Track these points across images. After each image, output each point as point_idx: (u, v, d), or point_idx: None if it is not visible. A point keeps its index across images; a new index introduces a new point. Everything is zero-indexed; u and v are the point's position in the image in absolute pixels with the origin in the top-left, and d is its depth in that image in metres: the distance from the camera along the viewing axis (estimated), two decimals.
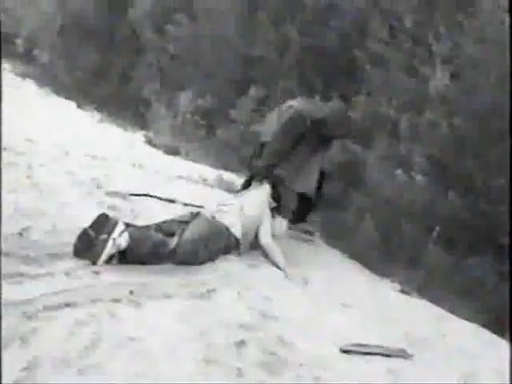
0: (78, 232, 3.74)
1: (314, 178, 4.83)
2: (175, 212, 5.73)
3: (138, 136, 11.02)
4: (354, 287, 4.53)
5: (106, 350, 2.70)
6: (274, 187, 4.72)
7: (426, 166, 6.67)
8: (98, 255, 3.70)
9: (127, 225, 3.94)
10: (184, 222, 4.23)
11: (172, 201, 6.16)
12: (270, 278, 4.24)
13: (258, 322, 3.40)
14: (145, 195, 6.15)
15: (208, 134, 10.26)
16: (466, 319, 4.36)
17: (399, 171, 6.74)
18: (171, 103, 11.15)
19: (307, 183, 4.81)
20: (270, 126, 4.86)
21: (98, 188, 5.72)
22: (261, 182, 4.76)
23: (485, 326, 4.33)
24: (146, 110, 11.72)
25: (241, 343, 3.05)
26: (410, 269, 5.09)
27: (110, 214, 5.11)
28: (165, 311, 3.30)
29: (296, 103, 4.85)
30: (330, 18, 9.18)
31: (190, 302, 3.55)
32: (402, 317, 4.10)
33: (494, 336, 4.21)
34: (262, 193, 4.69)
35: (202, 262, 4.13)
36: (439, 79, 7.04)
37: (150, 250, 3.90)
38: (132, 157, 8.36)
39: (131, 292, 3.47)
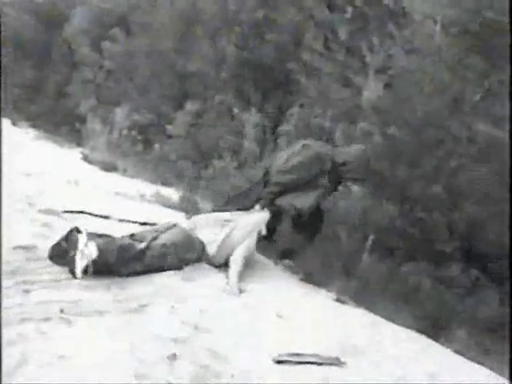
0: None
1: (309, 200, 5.01)
2: (111, 229, 5.70)
3: (75, 153, 10.89)
4: (290, 298, 4.54)
5: (34, 369, 2.66)
6: (273, 216, 4.92)
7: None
8: (73, 271, 3.93)
9: (90, 235, 4.05)
10: (159, 231, 4.40)
11: (107, 217, 6.10)
12: (206, 291, 4.23)
13: (191, 335, 3.37)
14: (79, 212, 6.07)
15: (145, 149, 10.22)
16: (402, 325, 4.41)
17: None
18: (107, 119, 11.07)
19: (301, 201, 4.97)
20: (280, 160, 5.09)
21: (30, 205, 5.64)
22: (263, 207, 4.92)
23: (420, 331, 4.39)
24: (82, 126, 11.60)
25: (172, 357, 3.04)
26: (346, 278, 5.14)
27: (44, 231, 5.08)
28: (96, 328, 3.26)
29: (312, 143, 5.17)
30: (266, 32, 9.29)
31: (123, 317, 3.51)
32: (337, 325, 4.14)
33: (430, 341, 4.27)
34: (258, 218, 4.84)
35: (169, 267, 4.28)
36: (372, 90, 7.19)
37: (117, 255, 4.01)
38: (67, 173, 8.26)
39: (62, 310, 3.43)
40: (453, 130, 6.24)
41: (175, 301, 3.79)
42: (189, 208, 7.15)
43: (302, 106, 8.09)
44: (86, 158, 10.37)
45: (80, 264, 3.91)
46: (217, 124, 9.18)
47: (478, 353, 4.27)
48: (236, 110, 9.08)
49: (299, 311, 4.30)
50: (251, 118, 8.76)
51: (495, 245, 5.18)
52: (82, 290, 3.94)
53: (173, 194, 8.10)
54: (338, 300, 4.76)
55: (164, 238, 4.32)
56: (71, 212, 5.98)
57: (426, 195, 6.17)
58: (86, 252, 3.90)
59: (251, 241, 4.71)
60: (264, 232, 4.82)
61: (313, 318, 4.19)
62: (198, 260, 4.57)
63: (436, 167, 6.33)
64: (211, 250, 4.57)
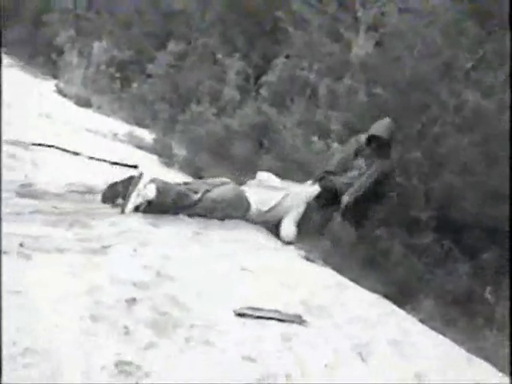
0: None
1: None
2: (80, 166, 5.63)
3: (49, 85, 10.69)
4: (258, 252, 4.53)
5: None
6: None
7: (342, 134, 6.75)
8: (125, 204, 4.32)
9: (153, 179, 4.43)
10: (212, 185, 4.72)
11: (77, 153, 6.03)
12: (171, 236, 4.20)
13: (152, 280, 3.34)
14: (48, 146, 5.98)
15: (122, 87, 10.04)
16: (369, 289, 4.43)
17: (315, 138, 6.79)
18: (85, 52, 10.83)
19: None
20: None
21: None
22: (314, 182, 5.45)
23: (387, 296, 4.41)
24: (59, 58, 11.35)
25: (131, 301, 3.01)
26: (318, 237, 5.13)
27: (9, 163, 4.99)
28: (55, 265, 3.21)
29: None
30: None
31: (83, 256, 3.48)
32: (303, 283, 4.13)
33: (395, 306, 4.29)
34: (310, 190, 5.34)
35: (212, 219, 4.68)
36: (362, 46, 7.11)
37: (173, 199, 4.43)
38: (39, 105, 8.11)
39: (21, 244, 3.37)
40: (440, 96, 6.19)
41: (138, 244, 3.74)
42: (162, 151, 7.09)
43: (287, 56, 7.98)
44: (60, 91, 10.19)
45: (134, 201, 4.32)
46: (198, 67, 9.03)
47: (442, 324, 4.29)
48: (219, 55, 8.93)
49: (266, 266, 4.28)
50: (234, 65, 8.63)
51: (471, 216, 5.19)
52: (45, 226, 3.90)
53: (147, 135, 8.01)
54: (307, 258, 4.76)
55: (216, 193, 4.66)
56: (40, 145, 5.90)
57: (405, 160, 6.14)
58: (144, 192, 4.33)
59: (301, 209, 5.13)
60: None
61: (279, 274, 4.17)
62: (241, 217, 4.89)
63: (418, 132, 6.30)
64: (264, 207, 4.94)
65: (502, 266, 4.91)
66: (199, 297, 3.41)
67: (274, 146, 6.56)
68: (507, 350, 3.87)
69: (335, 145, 6.72)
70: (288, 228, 4.99)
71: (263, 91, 7.89)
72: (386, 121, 5.62)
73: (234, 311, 3.41)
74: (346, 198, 5.40)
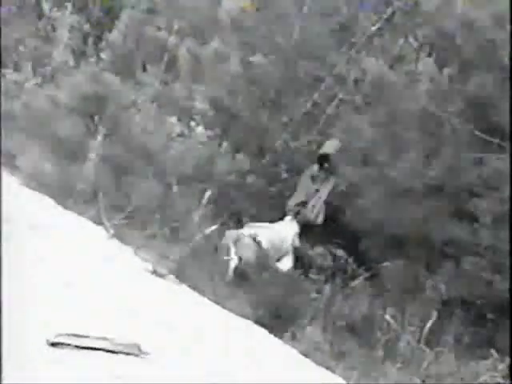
0: None
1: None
2: None
3: None
4: (88, 261, 4.42)
5: None
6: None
7: (209, 115, 6.68)
8: None
9: None
10: None
11: None
12: None
13: None
14: None
15: None
16: (235, 312, 4.40)
17: (174, 119, 6.69)
18: None
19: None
20: None
21: None
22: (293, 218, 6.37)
23: (259, 322, 4.40)
24: None
25: None
26: (172, 242, 5.07)
27: None
28: None
29: None
30: None
31: None
32: (145, 304, 4.03)
33: (269, 336, 4.28)
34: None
35: None
36: (235, 0, 7.09)
37: None
38: None
39: None
40: (336, 66, 6.25)
41: None
42: None
43: (134, 7, 7.85)
44: None
45: None
46: (18, 22, 8.72)
47: (331, 357, 4.31)
48: (46, 6, 8.66)
49: (97, 281, 4.16)
50: (67, 19, 8.38)
51: (369, 217, 5.26)
52: None
53: None
54: (154, 272, 4.66)
55: None
56: None
57: (291, 148, 6.15)
58: None
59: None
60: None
61: (113, 292, 4.06)
62: None
63: (308, 114, 6.33)
64: None
65: (407, 281, 5.02)
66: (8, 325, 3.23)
67: (115, 128, 6.37)
68: None
69: (199, 129, 6.65)
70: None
71: (105, 55, 7.70)
72: (335, 142, 6.36)
73: (48, 340, 3.25)
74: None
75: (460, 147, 5.40)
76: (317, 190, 6.46)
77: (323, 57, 6.19)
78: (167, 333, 3.81)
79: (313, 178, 6.49)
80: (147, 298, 4.23)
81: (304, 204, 6.45)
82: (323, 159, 6.42)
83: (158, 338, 3.69)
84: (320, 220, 6.40)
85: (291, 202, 6.48)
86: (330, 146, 6.43)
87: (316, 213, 6.42)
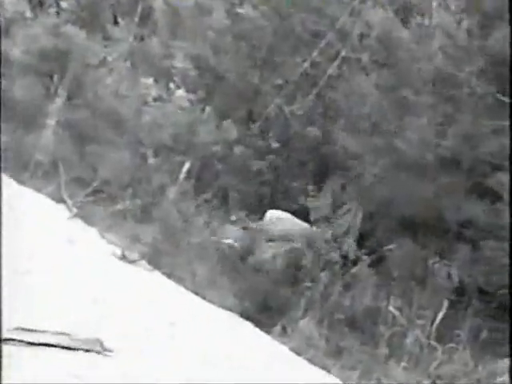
0: None
1: None
2: None
3: None
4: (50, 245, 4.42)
5: None
6: None
7: (191, 75, 6.67)
8: None
9: None
10: None
11: None
12: None
13: None
14: None
15: None
16: (217, 304, 4.39)
17: (150, 80, 6.68)
18: None
19: None
20: None
21: None
22: None
23: (245, 315, 4.40)
24: None
25: None
26: (145, 222, 5.08)
27: None
28: None
29: None
30: None
31: None
32: (110, 294, 4.02)
33: (256, 329, 4.27)
34: None
35: None
36: None
37: None
38: None
39: None
40: (338, 20, 6.23)
41: None
42: None
43: None
44: None
45: None
46: None
47: (326, 354, 4.31)
48: None
49: (57, 268, 4.15)
50: None
51: (374, 193, 5.28)
52: None
53: None
54: (123, 257, 4.66)
55: None
56: None
57: (285, 115, 6.16)
58: None
59: None
60: None
61: (75, 280, 4.05)
62: None
63: (305, 75, 6.32)
64: None
65: (415, 267, 5.04)
66: None
67: (79, 90, 6.35)
68: None
69: (179, 92, 6.63)
70: None
71: (66, 4, 7.65)
72: None
73: None
74: None
75: (479, 113, 5.37)
76: None
77: (323, 8, 6.13)
78: (136, 328, 3.80)
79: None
80: (114, 288, 4.21)
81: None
82: None
83: (125, 334, 3.69)
84: None
85: None
86: None
87: None
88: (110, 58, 6.58)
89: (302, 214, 6.22)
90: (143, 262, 4.67)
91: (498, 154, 5.25)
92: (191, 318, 4.15)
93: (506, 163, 5.18)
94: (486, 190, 5.35)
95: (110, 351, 3.41)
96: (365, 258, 5.49)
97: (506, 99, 5.25)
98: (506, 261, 5.08)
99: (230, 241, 5.47)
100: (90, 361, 3.33)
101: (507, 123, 5.21)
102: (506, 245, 5.15)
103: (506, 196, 5.18)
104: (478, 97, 5.37)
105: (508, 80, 5.24)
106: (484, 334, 5.05)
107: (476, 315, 5.14)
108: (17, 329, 3.30)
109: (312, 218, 6.15)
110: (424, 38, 5.60)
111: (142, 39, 6.90)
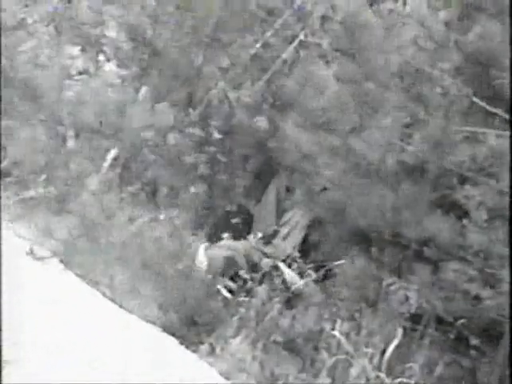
0: None
1: None
2: None
3: None
4: None
5: None
6: None
7: (125, 48, 6.62)
8: None
9: None
10: None
11: None
12: None
13: None
14: None
15: None
16: (139, 315, 4.34)
17: (76, 50, 6.59)
18: None
19: None
20: None
21: None
22: None
23: (169, 330, 4.35)
24: None
25: None
26: (59, 214, 4.99)
27: None
28: None
29: None
30: None
31: None
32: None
33: (180, 347, 4.23)
34: None
35: None
36: None
37: None
38: None
39: None
40: None
41: None
42: None
43: None
44: None
45: None
46: None
47: (258, 379, 4.29)
48: None
49: None
50: None
51: (324, 200, 5.26)
52: None
53: None
54: (31, 253, 4.57)
55: None
56: None
57: (230, 101, 6.15)
58: None
59: None
60: None
61: None
62: None
63: (256, 57, 6.30)
64: None
65: (367, 286, 5.03)
66: None
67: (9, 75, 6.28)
68: None
69: (109, 66, 6.56)
70: None
71: None
72: None
73: None
74: None
75: (451, 117, 5.34)
76: None
77: None
78: (39, 338, 3.70)
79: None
80: (18, 290, 4.10)
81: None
82: None
83: (26, 344, 3.59)
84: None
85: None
86: None
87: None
88: (29, 20, 6.42)
89: (242, 213, 6.20)
90: (55, 261, 4.57)
91: (468, 165, 5.23)
92: (107, 330, 4.07)
93: (477, 175, 5.18)
94: (452, 205, 5.31)
95: (8, 362, 3.34)
96: (310, 272, 5.45)
97: (483, 104, 5.24)
98: (469, 286, 5.09)
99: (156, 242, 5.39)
100: None
101: (482, 130, 5.20)
102: (470, 268, 5.15)
103: (475, 213, 5.17)
104: (451, 98, 5.32)
105: (486, 82, 5.24)
106: (440, 369, 5.05)
107: (432, 346, 5.14)
108: None
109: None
110: (395, 26, 5.54)
111: (69, 1, 6.76)
